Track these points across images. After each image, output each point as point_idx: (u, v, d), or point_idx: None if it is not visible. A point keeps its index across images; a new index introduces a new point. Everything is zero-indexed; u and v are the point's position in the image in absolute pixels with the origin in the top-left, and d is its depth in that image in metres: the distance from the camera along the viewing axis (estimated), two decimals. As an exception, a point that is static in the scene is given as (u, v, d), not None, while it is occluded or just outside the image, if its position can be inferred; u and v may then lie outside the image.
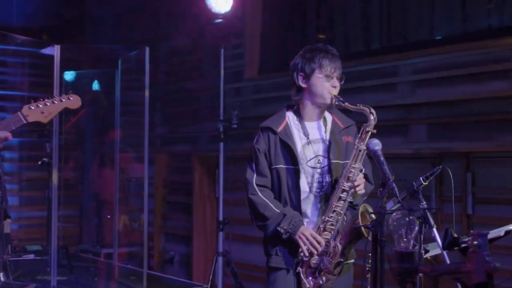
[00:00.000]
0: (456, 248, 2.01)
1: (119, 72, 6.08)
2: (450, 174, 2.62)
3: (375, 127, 2.78)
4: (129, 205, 7.72)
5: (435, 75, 4.67)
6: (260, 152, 2.92)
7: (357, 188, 2.82)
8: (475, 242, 1.76)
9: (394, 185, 2.39)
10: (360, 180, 2.83)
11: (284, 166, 2.87)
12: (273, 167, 2.90)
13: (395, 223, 2.16)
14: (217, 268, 5.59)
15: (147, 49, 5.56)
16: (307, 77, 2.91)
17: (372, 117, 2.78)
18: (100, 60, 7.60)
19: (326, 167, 2.89)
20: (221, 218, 5.66)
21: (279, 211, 2.84)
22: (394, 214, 2.22)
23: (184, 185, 7.27)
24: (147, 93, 5.57)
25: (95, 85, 7.89)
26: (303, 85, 2.93)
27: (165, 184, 7.74)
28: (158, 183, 7.72)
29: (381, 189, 2.41)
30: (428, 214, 2.51)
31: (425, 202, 2.57)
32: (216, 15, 5.63)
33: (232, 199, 5.90)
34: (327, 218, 2.82)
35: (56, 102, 2.99)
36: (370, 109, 2.79)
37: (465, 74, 4.47)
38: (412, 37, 5.17)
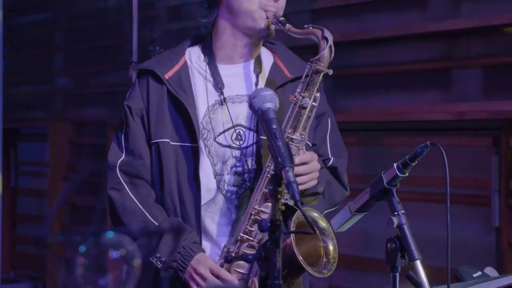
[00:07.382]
0: None
1: None
2: (445, 157, 2.30)
3: (331, 66, 2.76)
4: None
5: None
6: (133, 114, 2.92)
7: (301, 179, 2.72)
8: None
9: (292, 177, 2.21)
10: (308, 163, 2.78)
11: (174, 143, 2.88)
12: (153, 141, 2.90)
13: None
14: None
15: None
16: None
17: (325, 44, 2.77)
18: None
19: (252, 148, 2.92)
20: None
21: (157, 223, 2.83)
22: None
23: (100, 177, 6.92)
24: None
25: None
26: None
27: (68, 175, 7.67)
28: (57, 173, 7.69)
29: (271, 187, 2.27)
30: (408, 233, 2.40)
31: (402, 211, 2.45)
32: None
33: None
34: (241, 234, 2.78)
35: None
36: (323, 32, 2.77)
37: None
38: None
